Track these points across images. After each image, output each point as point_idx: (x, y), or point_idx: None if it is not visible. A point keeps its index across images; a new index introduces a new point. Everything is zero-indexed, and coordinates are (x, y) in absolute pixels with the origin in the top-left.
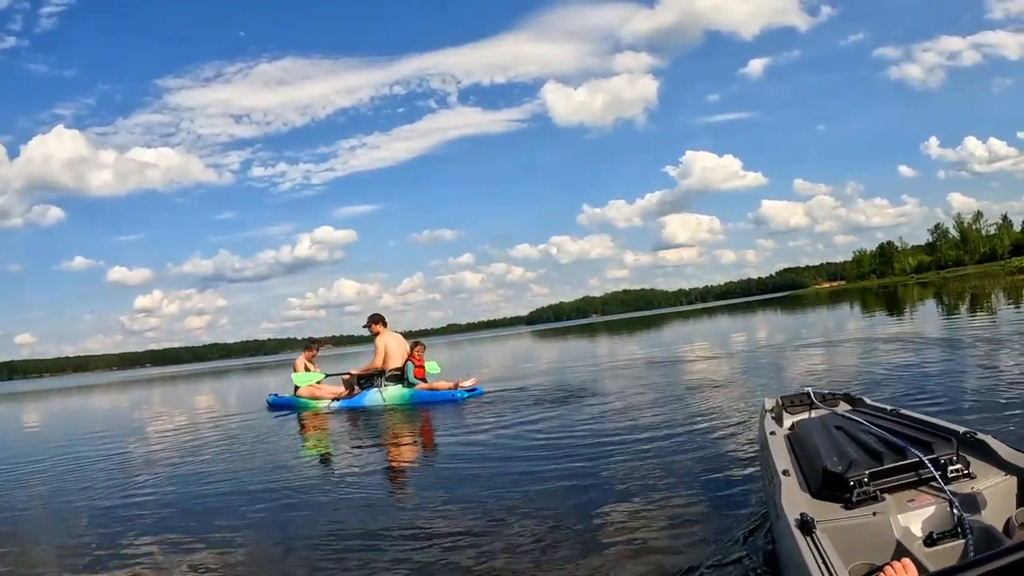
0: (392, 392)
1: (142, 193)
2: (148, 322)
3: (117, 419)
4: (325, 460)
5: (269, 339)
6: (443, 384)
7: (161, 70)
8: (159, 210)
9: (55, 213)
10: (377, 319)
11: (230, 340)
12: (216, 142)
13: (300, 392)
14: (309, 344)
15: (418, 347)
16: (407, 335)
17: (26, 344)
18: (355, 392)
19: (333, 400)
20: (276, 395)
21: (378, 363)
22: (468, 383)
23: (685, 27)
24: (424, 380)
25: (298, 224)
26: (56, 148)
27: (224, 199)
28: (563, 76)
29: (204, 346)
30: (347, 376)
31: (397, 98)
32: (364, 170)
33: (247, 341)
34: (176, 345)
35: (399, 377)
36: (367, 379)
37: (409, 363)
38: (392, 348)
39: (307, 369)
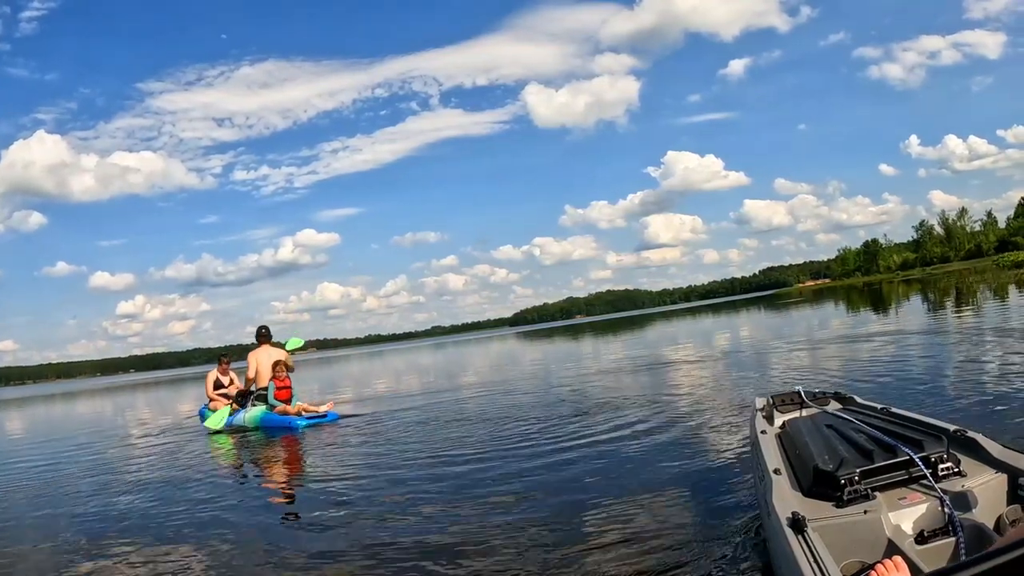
0: (251, 414)
1: (124, 198)
2: (131, 327)
3: (44, 432)
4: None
5: (252, 343)
6: (293, 409)
7: (142, 74)
8: (141, 214)
9: (37, 219)
10: (258, 333)
11: (213, 344)
12: (198, 146)
13: (211, 405)
14: (220, 359)
15: (279, 366)
16: (391, 338)
17: (8, 351)
18: (235, 410)
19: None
20: (206, 406)
21: (248, 376)
22: (323, 408)
23: (665, 29)
24: (288, 402)
25: (281, 228)
26: (38, 153)
27: (207, 203)
28: (544, 78)
29: (187, 351)
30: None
31: (379, 100)
32: (347, 173)
33: (231, 345)
34: (160, 350)
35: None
36: (245, 397)
37: (271, 383)
38: (263, 365)
39: (219, 381)
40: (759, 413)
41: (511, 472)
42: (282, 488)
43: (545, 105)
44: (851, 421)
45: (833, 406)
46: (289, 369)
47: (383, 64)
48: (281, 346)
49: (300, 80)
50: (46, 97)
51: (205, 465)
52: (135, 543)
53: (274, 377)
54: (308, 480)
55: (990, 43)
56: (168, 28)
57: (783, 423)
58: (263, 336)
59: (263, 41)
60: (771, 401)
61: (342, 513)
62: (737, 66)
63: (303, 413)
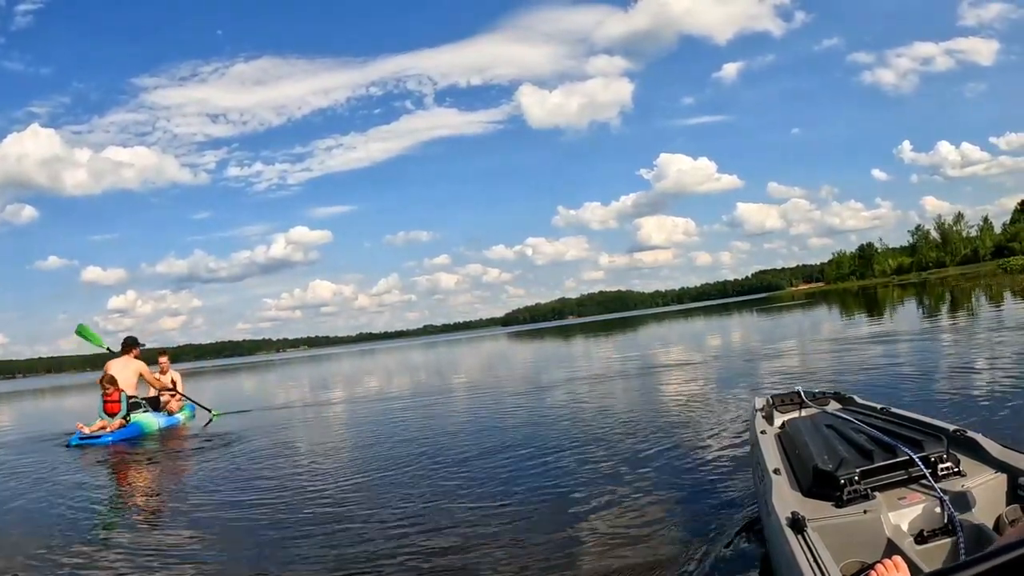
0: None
1: (117, 192)
2: (122, 322)
3: None
4: None
5: (244, 340)
6: (96, 425)
7: (137, 69)
8: (134, 210)
9: (29, 212)
10: (122, 343)
11: (204, 341)
12: (192, 142)
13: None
14: (159, 356)
15: (105, 378)
16: (383, 336)
17: None
18: None
19: None
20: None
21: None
22: (109, 427)
23: (659, 31)
24: (112, 416)
25: (273, 224)
26: (31, 147)
27: (199, 199)
28: (538, 79)
29: (178, 347)
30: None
31: (373, 99)
32: (340, 171)
33: (222, 342)
34: (150, 346)
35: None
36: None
37: (100, 396)
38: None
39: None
40: (759, 413)
41: (475, 483)
42: None
43: (539, 106)
44: (851, 421)
45: (833, 406)
46: (117, 385)
47: (378, 62)
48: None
49: (295, 77)
50: (40, 91)
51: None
52: None
53: (103, 391)
54: None
55: (984, 50)
56: (163, 23)
57: (783, 423)
58: (124, 345)
59: (258, 38)
60: (771, 401)
61: None
62: (731, 69)
63: (87, 431)
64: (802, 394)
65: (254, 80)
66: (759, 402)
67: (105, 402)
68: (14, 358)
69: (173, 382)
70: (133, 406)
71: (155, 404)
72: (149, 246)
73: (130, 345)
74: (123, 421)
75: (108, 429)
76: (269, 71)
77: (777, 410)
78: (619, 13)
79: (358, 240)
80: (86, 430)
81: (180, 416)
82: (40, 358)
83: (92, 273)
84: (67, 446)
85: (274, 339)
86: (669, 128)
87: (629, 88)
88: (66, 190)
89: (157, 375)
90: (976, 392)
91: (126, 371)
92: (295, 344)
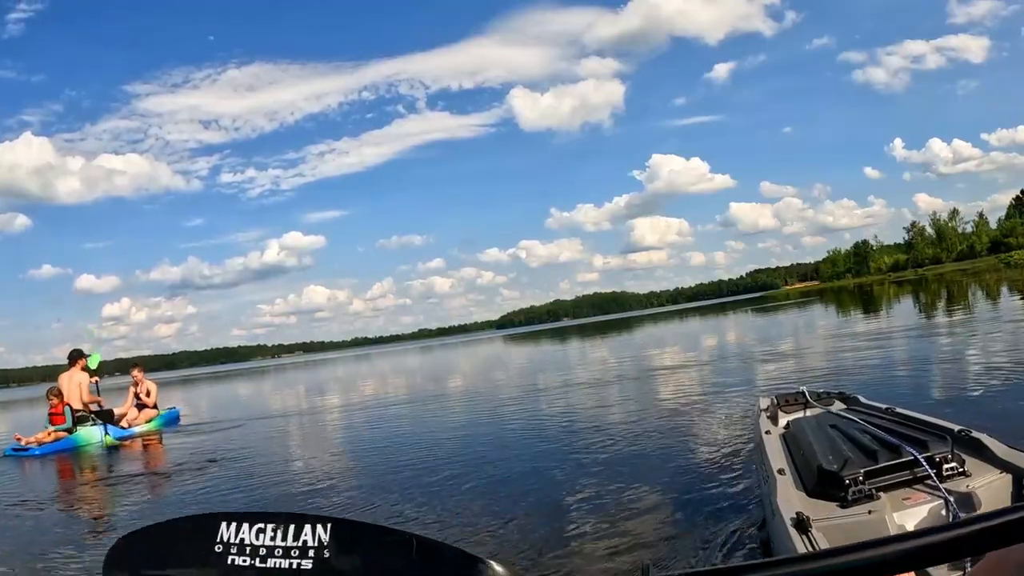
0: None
1: (110, 200)
2: (117, 330)
3: None
4: None
5: (240, 346)
6: (37, 436)
7: (129, 76)
8: (127, 217)
9: (22, 221)
10: (68, 355)
11: (200, 347)
12: (184, 148)
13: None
14: (132, 367)
15: (51, 391)
16: (378, 341)
17: None
18: None
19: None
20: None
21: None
22: (41, 441)
23: (650, 32)
24: (56, 428)
25: (267, 230)
26: (24, 155)
27: (193, 206)
28: (530, 81)
29: (173, 354)
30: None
31: (366, 103)
32: (333, 175)
33: (217, 348)
34: (145, 353)
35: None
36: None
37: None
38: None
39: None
40: (763, 413)
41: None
42: None
43: (530, 108)
44: (855, 421)
45: (837, 406)
46: (62, 398)
47: (369, 67)
48: (88, 370)
49: (286, 83)
50: (32, 99)
51: None
52: None
53: (49, 403)
54: None
55: (974, 47)
56: (155, 30)
57: (787, 423)
58: (70, 359)
59: (250, 43)
60: (775, 401)
61: None
62: (722, 70)
63: (23, 442)
64: (806, 394)
65: (246, 86)
66: (763, 402)
67: (51, 414)
68: (8, 367)
69: (148, 392)
70: (80, 419)
71: (108, 417)
72: (143, 253)
73: (75, 358)
74: (61, 433)
75: (38, 441)
76: (261, 76)
77: (781, 410)
78: (609, 15)
79: (352, 245)
80: (23, 441)
81: (138, 429)
82: (35, 367)
83: (86, 281)
84: (3, 456)
85: (269, 345)
86: (661, 129)
87: (620, 89)
88: (59, 198)
89: (131, 387)
90: (981, 391)
91: (71, 384)
92: (290, 350)
